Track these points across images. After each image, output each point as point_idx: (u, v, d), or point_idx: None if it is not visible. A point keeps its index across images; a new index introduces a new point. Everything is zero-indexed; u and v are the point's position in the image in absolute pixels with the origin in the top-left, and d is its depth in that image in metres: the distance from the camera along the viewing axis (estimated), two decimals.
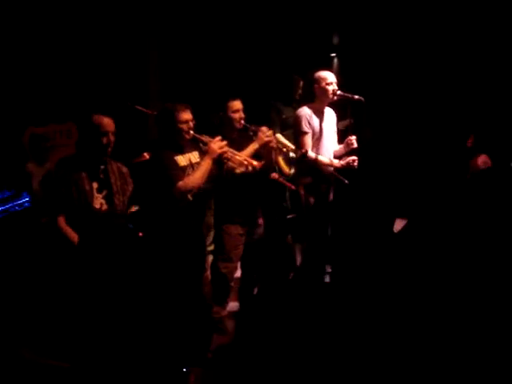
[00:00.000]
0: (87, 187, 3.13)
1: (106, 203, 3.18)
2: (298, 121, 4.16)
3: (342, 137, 4.39)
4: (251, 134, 3.90)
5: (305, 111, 4.16)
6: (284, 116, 5.10)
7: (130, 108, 4.64)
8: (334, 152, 4.32)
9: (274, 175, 4.34)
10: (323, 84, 4.11)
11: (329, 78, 4.13)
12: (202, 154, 3.49)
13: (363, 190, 4.67)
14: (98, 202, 3.16)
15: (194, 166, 3.46)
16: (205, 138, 3.50)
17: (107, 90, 5.77)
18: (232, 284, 4.02)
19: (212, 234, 4.30)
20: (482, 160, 5.16)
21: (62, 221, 3.11)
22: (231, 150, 3.55)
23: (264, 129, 3.84)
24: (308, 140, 4.13)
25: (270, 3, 6.17)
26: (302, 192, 4.22)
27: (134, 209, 3.75)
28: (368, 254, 3.53)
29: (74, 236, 3.08)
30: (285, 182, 4.42)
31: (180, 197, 3.29)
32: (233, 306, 4.18)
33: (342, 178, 4.08)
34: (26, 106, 5.67)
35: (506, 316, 2.22)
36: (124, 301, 2.86)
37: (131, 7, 6.07)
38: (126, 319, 2.81)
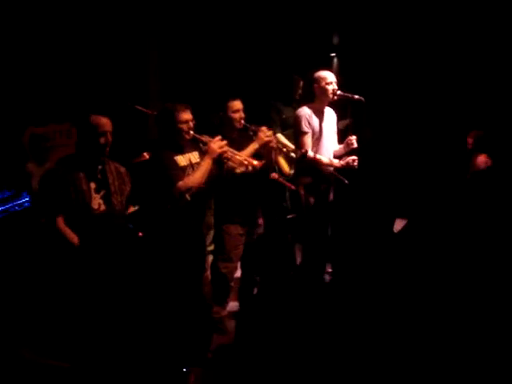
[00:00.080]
0: (85, 187, 3.13)
1: (104, 203, 3.18)
2: (297, 121, 4.16)
3: (342, 137, 4.40)
4: (251, 133, 3.90)
5: (304, 111, 4.16)
6: (284, 116, 5.10)
7: (129, 108, 4.64)
8: (334, 152, 4.32)
9: (274, 175, 4.34)
10: (323, 84, 4.11)
11: (328, 77, 4.13)
12: (202, 154, 3.49)
13: (363, 190, 4.67)
14: (96, 202, 3.16)
15: (194, 166, 3.46)
16: (205, 138, 3.50)
17: (107, 90, 5.77)
18: (232, 284, 4.02)
19: (212, 233, 4.30)
20: (482, 160, 5.16)
21: (60, 221, 3.10)
22: (231, 149, 3.55)
23: (264, 129, 3.84)
24: (308, 140, 4.13)
25: (270, 3, 6.17)
26: (302, 192, 4.22)
27: (134, 209, 3.75)
28: (368, 253, 3.53)
29: (73, 237, 3.07)
30: (285, 181, 4.42)
31: (179, 197, 3.29)
32: (233, 305, 4.19)
33: (342, 177, 4.08)
34: (26, 105, 5.66)
35: (506, 316, 2.22)
36: (124, 301, 2.86)
37: (131, 7, 6.07)
38: (126, 319, 2.80)
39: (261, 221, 4.14)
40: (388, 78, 6.28)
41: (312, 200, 4.19)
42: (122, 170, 3.35)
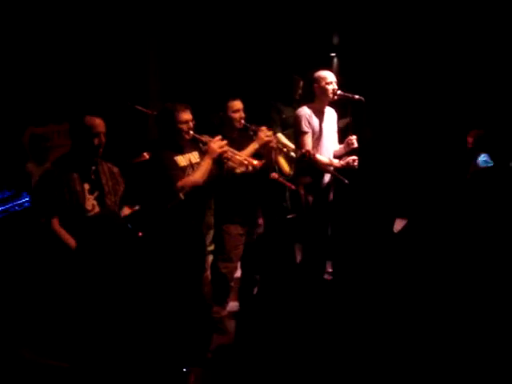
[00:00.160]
0: (79, 188, 3.13)
1: (98, 204, 3.18)
2: (297, 120, 4.16)
3: (342, 136, 4.40)
4: (251, 133, 3.90)
5: (304, 111, 4.16)
6: (284, 116, 5.10)
7: (130, 108, 4.64)
8: (335, 152, 4.32)
9: (274, 175, 4.35)
10: (323, 83, 4.11)
11: (328, 77, 4.13)
12: (202, 154, 3.49)
13: (363, 190, 4.67)
14: (90, 203, 3.16)
15: (194, 166, 3.46)
16: (205, 138, 3.50)
17: (107, 90, 5.77)
18: (232, 284, 4.02)
19: (212, 233, 4.30)
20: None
21: (55, 223, 3.10)
22: (231, 149, 3.55)
23: (264, 128, 3.84)
24: (308, 140, 4.12)
25: (270, 3, 6.17)
26: (302, 192, 4.22)
27: (131, 210, 3.75)
28: (368, 253, 3.53)
29: (68, 238, 3.08)
30: (285, 181, 4.42)
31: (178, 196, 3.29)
32: (233, 305, 4.18)
33: (342, 177, 4.08)
34: (26, 105, 5.66)
35: (506, 316, 2.22)
36: (124, 300, 2.86)
37: (131, 7, 6.07)
38: (126, 319, 2.80)
39: (261, 221, 4.14)
40: (388, 78, 6.28)
41: (312, 200, 4.19)
42: (115, 170, 3.35)
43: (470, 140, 5.29)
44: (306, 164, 4.09)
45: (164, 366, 2.74)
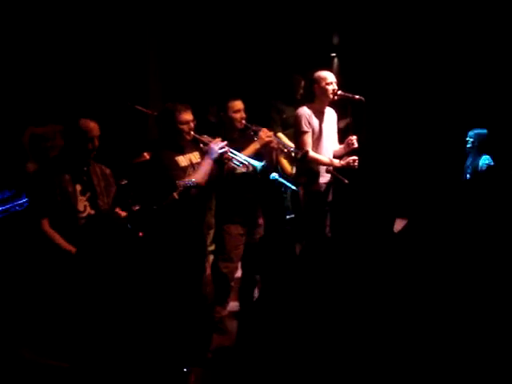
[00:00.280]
0: (70, 189, 3.13)
1: (90, 205, 3.18)
2: (297, 120, 4.16)
3: (342, 136, 4.40)
4: (252, 133, 3.90)
5: (304, 111, 4.16)
6: (285, 116, 5.10)
7: (130, 108, 4.64)
8: (335, 152, 4.32)
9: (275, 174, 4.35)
10: (323, 84, 4.11)
11: (328, 77, 4.13)
12: (203, 154, 3.49)
13: (363, 190, 4.67)
14: (82, 204, 3.17)
15: (194, 166, 3.46)
16: (205, 139, 3.50)
17: (107, 90, 5.76)
18: (232, 284, 4.02)
19: (212, 233, 4.30)
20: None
21: (45, 224, 3.10)
22: (232, 149, 3.55)
23: (265, 129, 3.84)
24: (308, 139, 4.13)
25: (270, 3, 6.17)
26: (302, 192, 4.22)
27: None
28: (368, 253, 3.52)
29: (58, 238, 3.08)
30: (285, 181, 4.43)
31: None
32: (233, 305, 4.19)
33: (341, 177, 4.08)
34: (26, 105, 5.66)
35: (506, 316, 2.22)
36: (124, 300, 2.86)
37: (131, 7, 6.07)
38: (126, 319, 2.80)
39: (261, 221, 4.14)
40: (388, 78, 6.27)
41: (311, 200, 4.19)
42: (107, 171, 3.36)
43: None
44: (307, 164, 4.10)
45: (164, 366, 2.74)
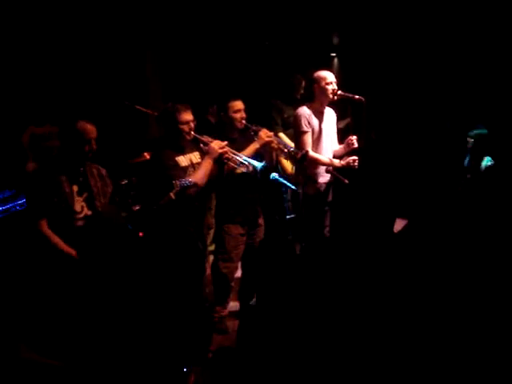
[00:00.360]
0: (67, 190, 3.14)
1: (87, 206, 3.19)
2: (297, 120, 4.15)
3: (342, 136, 4.40)
4: (252, 133, 3.90)
5: (304, 110, 4.15)
6: (285, 115, 5.10)
7: (129, 108, 4.64)
8: (335, 152, 4.31)
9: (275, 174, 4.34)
10: (323, 83, 4.11)
11: (328, 77, 4.12)
12: (203, 154, 3.49)
13: (363, 190, 4.67)
14: (79, 205, 3.17)
15: (195, 166, 3.47)
16: (205, 139, 3.50)
17: (107, 90, 5.77)
18: (232, 284, 4.02)
19: (212, 233, 4.29)
20: None
21: (43, 225, 3.10)
22: (232, 150, 3.55)
23: (265, 129, 3.84)
24: (308, 139, 4.12)
25: (271, 3, 6.17)
26: (302, 192, 4.21)
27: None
28: (368, 253, 3.53)
29: (55, 239, 3.08)
30: (286, 181, 4.42)
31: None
32: (233, 305, 4.19)
33: (341, 177, 4.08)
34: (26, 105, 5.66)
35: (506, 316, 2.22)
36: (124, 301, 2.86)
37: (131, 7, 6.07)
38: (127, 319, 2.81)
39: (261, 221, 4.14)
40: (388, 78, 6.27)
41: (311, 200, 4.18)
42: (104, 172, 3.36)
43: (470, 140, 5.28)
44: (306, 164, 4.09)
45: (164, 366, 2.75)
